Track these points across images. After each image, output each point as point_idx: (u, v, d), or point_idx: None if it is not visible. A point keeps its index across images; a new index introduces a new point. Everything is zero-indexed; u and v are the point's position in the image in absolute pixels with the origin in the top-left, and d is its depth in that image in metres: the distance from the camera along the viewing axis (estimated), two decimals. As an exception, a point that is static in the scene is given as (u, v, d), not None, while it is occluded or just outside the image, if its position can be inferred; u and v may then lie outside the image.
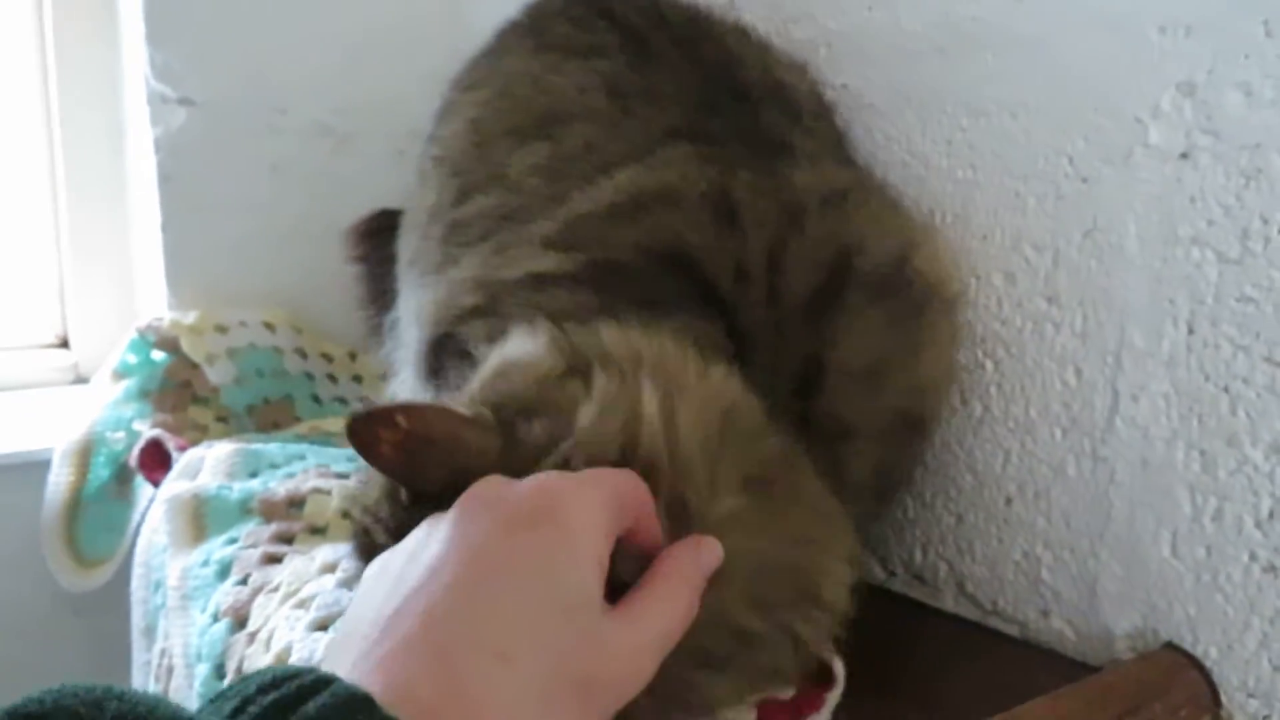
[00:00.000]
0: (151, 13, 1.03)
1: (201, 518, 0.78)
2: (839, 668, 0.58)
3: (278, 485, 0.79)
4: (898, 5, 0.73)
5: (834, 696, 0.56)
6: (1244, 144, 0.56)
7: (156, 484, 0.88)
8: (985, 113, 0.68)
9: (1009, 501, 0.69)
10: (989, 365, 0.70)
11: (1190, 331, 0.59)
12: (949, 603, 0.74)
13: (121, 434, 0.99)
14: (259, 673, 0.31)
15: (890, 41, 0.74)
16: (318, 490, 0.77)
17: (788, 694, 0.57)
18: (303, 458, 0.85)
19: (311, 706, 0.29)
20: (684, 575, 0.41)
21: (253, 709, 0.29)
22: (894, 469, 0.64)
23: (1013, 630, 0.69)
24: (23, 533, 0.95)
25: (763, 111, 0.65)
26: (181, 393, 1.01)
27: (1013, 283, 0.68)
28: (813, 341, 0.55)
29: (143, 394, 1.01)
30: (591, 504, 0.39)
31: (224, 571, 0.71)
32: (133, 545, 0.89)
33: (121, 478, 0.98)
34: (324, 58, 1.12)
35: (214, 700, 0.31)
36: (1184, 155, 0.58)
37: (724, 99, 0.65)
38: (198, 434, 0.96)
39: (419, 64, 1.18)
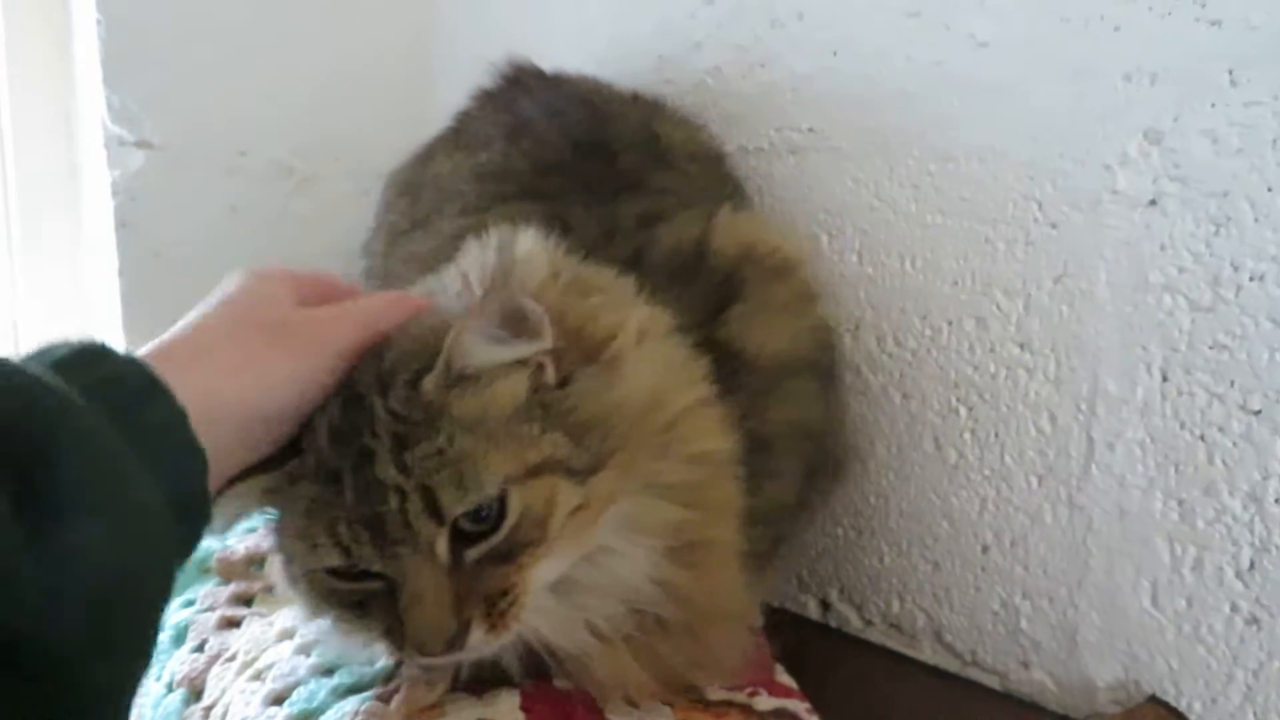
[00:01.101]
0: (109, 54, 1.00)
1: (157, 577, 0.75)
2: (817, 727, 0.56)
3: (237, 542, 0.76)
4: (863, 50, 0.73)
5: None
6: (1212, 191, 0.55)
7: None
8: (953, 157, 0.68)
9: (986, 549, 0.68)
10: (963, 411, 0.69)
11: (1164, 379, 0.58)
12: (927, 652, 0.72)
13: (76, 487, 0.96)
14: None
15: (856, 86, 0.73)
16: (278, 547, 0.75)
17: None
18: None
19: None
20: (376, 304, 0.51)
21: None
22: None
23: (993, 681, 0.68)
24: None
25: (620, 159, 0.72)
26: (139, 443, 0.98)
27: (984, 328, 0.67)
28: None
29: (98, 445, 0.98)
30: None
31: (180, 637, 0.68)
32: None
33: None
34: (285, 98, 1.10)
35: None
36: (1152, 202, 0.58)
37: (576, 157, 0.73)
38: (155, 486, 0.93)
39: (382, 104, 1.17)
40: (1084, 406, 0.62)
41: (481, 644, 0.47)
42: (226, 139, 1.07)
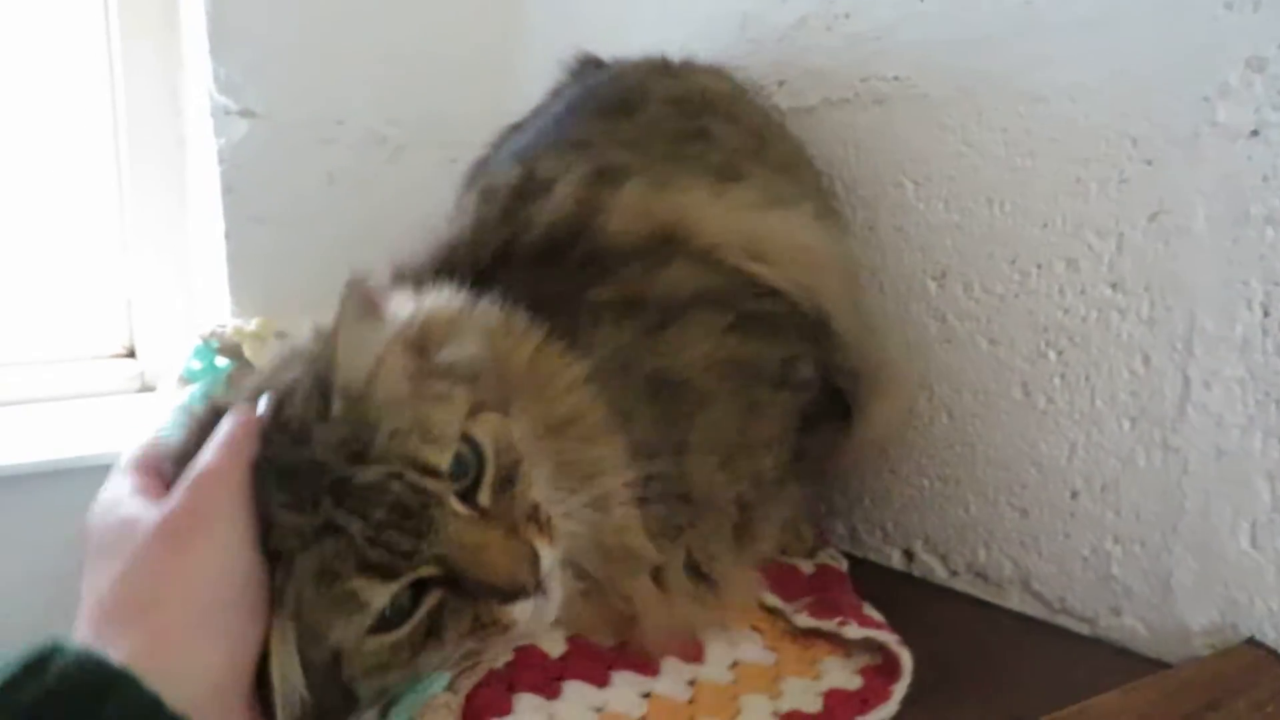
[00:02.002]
0: (215, 28, 1.05)
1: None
2: (906, 659, 0.57)
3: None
4: (952, -6, 0.72)
5: (901, 687, 0.55)
6: (1319, 118, 0.54)
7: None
8: (1043, 98, 0.67)
9: (1075, 495, 0.67)
10: (1052, 355, 0.68)
11: (1265, 314, 0.57)
12: (1014, 601, 0.72)
13: (186, 438, 1.01)
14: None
15: (944, 31, 0.73)
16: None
17: (854, 685, 0.56)
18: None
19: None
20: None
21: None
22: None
23: (1082, 628, 0.67)
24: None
25: (565, 121, 0.77)
26: (244, 398, 1.03)
27: (1075, 270, 0.66)
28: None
29: (207, 399, 1.03)
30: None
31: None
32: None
33: (187, 481, 1.00)
34: (380, 69, 1.14)
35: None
36: (1254, 132, 0.57)
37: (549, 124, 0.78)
38: (260, 438, 0.98)
39: (471, 75, 1.20)
40: (1180, 346, 0.61)
41: (550, 562, 0.49)
42: (325, 108, 1.12)
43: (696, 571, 0.59)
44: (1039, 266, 0.68)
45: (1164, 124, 0.60)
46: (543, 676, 0.52)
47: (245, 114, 1.08)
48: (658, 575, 0.57)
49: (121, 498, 0.49)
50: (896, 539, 0.81)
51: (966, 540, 0.75)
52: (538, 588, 0.48)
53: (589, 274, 0.61)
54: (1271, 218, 0.56)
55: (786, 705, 0.54)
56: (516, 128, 0.87)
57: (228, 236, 1.08)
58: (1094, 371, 0.66)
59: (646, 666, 0.55)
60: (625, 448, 0.55)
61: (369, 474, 0.45)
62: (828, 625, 0.58)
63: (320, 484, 0.46)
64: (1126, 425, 0.64)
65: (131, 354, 1.25)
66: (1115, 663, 0.63)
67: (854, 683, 0.56)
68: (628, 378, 0.57)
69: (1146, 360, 0.63)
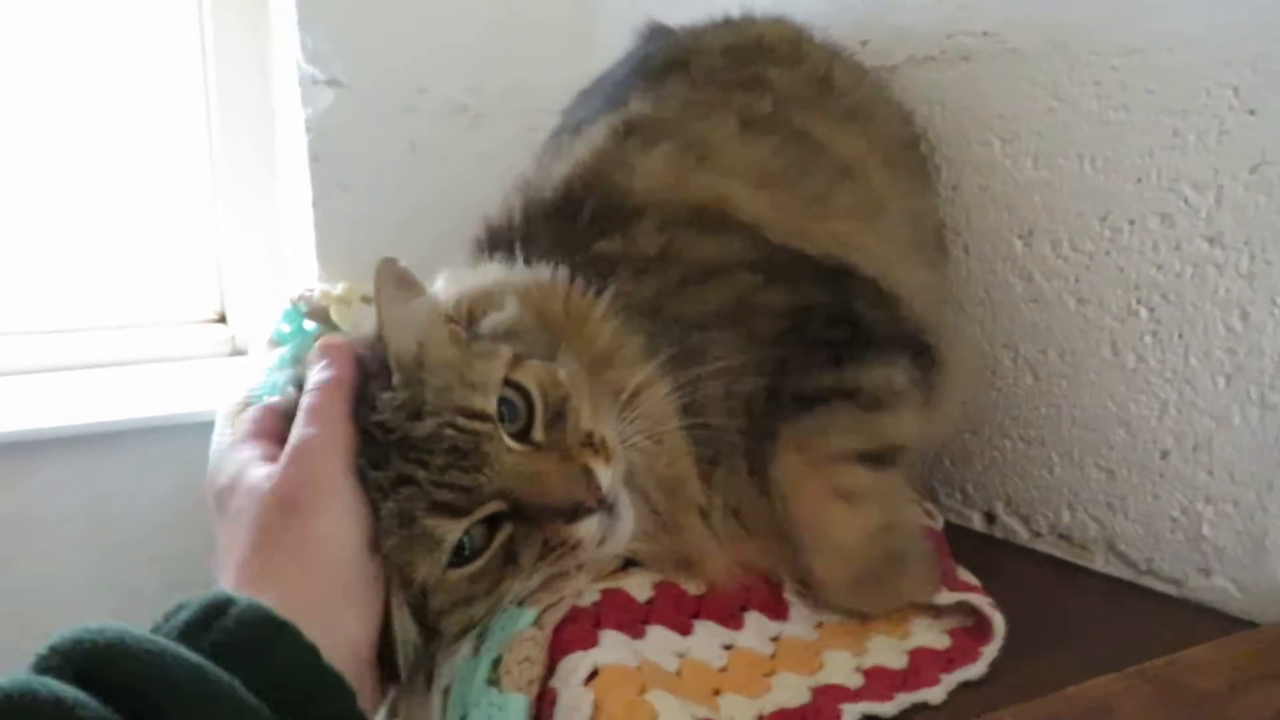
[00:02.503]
0: (302, -1, 1.08)
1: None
2: (999, 622, 0.56)
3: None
4: (1043, -54, 0.71)
5: (991, 650, 0.55)
6: None
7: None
8: (1139, 49, 0.65)
9: (1165, 455, 0.66)
10: (1144, 313, 0.67)
11: (1373, 265, 0.55)
12: (1099, 562, 0.71)
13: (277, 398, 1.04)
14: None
15: (1035, -16, 0.72)
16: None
17: (942, 645, 0.56)
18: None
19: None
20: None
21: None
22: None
23: (1169, 590, 0.66)
24: (187, 485, 1.02)
25: (605, 80, 0.81)
26: (330, 360, 1.06)
27: (1170, 225, 0.65)
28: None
29: (296, 361, 1.06)
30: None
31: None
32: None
33: (277, 438, 1.03)
34: (461, 39, 1.16)
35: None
36: (1366, 78, 0.55)
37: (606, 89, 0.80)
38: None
39: (551, 44, 1.21)
40: (1280, 300, 0.59)
41: (610, 479, 0.51)
42: (408, 77, 1.14)
43: (736, 515, 0.60)
44: (1131, 222, 0.67)
45: (1269, 72, 0.59)
46: (628, 617, 0.53)
47: (332, 83, 1.10)
48: (704, 517, 0.59)
49: (245, 463, 0.51)
50: (977, 501, 0.80)
51: (1050, 502, 0.74)
52: (601, 504, 0.51)
53: (599, 226, 0.63)
54: (1383, 166, 0.54)
55: (870, 661, 0.55)
56: (585, 93, 0.88)
57: (315, 204, 1.11)
58: (1188, 328, 0.64)
59: (730, 619, 0.56)
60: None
61: (424, 427, 0.50)
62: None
63: (389, 441, 0.50)
64: (1221, 383, 0.63)
65: (222, 319, 1.30)
66: (1203, 623, 0.62)
67: (942, 642, 0.56)
68: (653, 322, 0.59)
69: (1244, 316, 0.61)
